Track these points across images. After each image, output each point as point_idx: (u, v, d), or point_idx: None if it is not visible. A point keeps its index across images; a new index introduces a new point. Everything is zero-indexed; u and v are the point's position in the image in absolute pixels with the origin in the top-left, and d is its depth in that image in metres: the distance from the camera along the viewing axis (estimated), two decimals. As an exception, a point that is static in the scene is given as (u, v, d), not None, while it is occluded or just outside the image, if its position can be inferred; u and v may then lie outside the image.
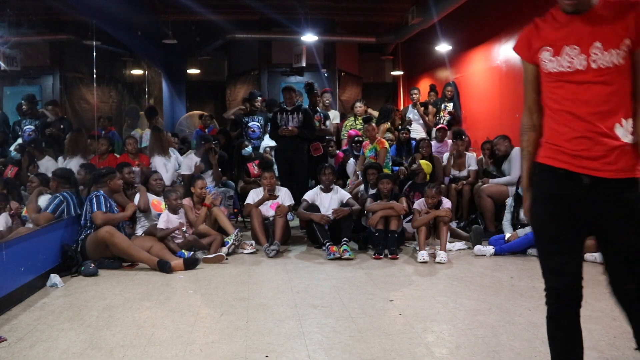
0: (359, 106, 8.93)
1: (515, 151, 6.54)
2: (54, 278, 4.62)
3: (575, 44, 2.14)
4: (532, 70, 2.32)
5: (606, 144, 2.10)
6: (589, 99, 2.13)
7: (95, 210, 5.21)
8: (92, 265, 5.03)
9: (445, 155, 7.70)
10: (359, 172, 7.41)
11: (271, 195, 6.25)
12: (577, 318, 2.31)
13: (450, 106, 9.12)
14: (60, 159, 6.62)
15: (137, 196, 5.93)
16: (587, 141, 2.13)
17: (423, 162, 6.93)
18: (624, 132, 2.12)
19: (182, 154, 7.87)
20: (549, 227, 2.27)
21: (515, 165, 6.44)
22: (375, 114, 9.04)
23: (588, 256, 5.31)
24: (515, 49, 2.38)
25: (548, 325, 2.33)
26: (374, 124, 7.57)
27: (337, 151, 8.52)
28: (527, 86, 2.38)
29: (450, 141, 8.27)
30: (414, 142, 8.13)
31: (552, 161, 2.23)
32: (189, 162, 7.11)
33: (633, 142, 2.12)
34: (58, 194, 5.31)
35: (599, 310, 3.83)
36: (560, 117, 2.20)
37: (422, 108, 9.25)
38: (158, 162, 7.05)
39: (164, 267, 5.01)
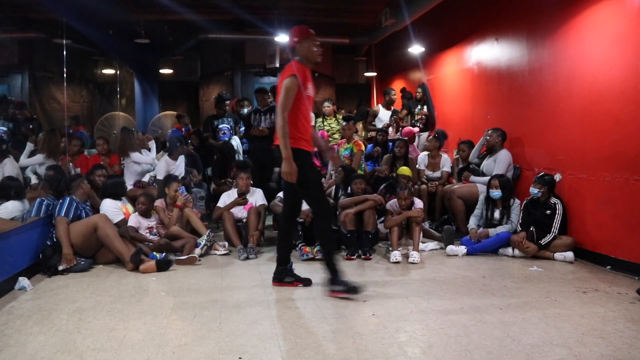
0: (327, 106, 8.94)
1: (504, 153, 6.55)
2: (23, 281, 4.53)
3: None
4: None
5: None
6: None
7: (62, 214, 5.22)
8: (83, 261, 5.13)
9: (421, 156, 7.68)
10: (332, 172, 7.42)
11: (243, 200, 6.21)
12: None
13: (425, 109, 9.16)
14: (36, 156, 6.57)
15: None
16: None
17: (404, 168, 6.84)
18: None
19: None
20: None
21: (500, 167, 6.43)
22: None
23: (558, 255, 5.42)
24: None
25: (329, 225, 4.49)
26: (351, 124, 7.56)
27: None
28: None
29: (420, 142, 8.34)
30: (390, 145, 8.14)
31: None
32: (165, 165, 7.06)
33: None
34: (44, 199, 5.42)
35: (567, 308, 3.91)
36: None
37: (396, 118, 9.19)
38: (137, 156, 7.13)
39: (135, 256, 5.03)
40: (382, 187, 6.80)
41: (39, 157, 6.57)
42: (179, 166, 7.18)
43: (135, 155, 7.18)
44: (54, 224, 5.19)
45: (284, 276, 4.54)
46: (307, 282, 4.55)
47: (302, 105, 4.27)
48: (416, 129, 8.82)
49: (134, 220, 5.63)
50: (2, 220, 5.09)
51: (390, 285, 4.58)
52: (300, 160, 4.18)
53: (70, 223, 5.19)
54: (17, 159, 6.39)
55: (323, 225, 4.37)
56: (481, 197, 6.18)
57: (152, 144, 7.75)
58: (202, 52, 13.38)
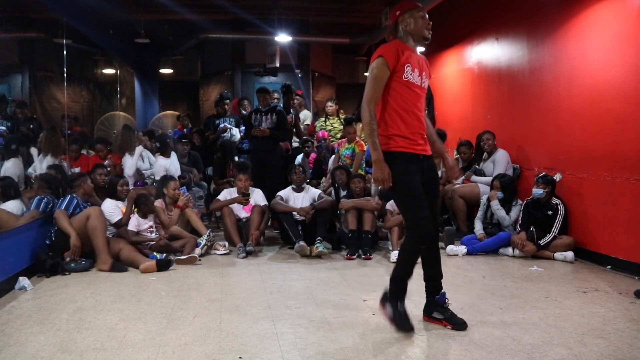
0: (330, 105, 8.94)
1: (501, 152, 6.59)
2: (23, 281, 4.53)
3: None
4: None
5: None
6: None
7: (62, 208, 5.28)
8: (84, 261, 5.14)
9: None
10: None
11: (244, 200, 6.20)
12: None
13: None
14: (37, 156, 6.58)
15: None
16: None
17: None
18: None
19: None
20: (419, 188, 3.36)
21: (499, 167, 6.48)
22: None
23: (558, 255, 5.42)
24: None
25: (421, 251, 3.45)
26: (355, 126, 7.54)
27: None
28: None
29: None
30: None
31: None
32: (160, 164, 7.04)
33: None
34: (43, 196, 5.48)
35: (568, 308, 3.91)
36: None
37: None
38: (128, 161, 7.06)
39: (165, 265, 5.14)
40: None
41: (48, 159, 6.56)
42: (173, 162, 7.16)
43: (126, 158, 7.15)
44: (54, 218, 5.20)
45: (432, 310, 3.60)
46: (459, 324, 3.49)
47: (398, 94, 3.40)
48: None
49: (134, 222, 5.61)
50: (12, 215, 5.12)
51: (390, 285, 4.58)
52: (391, 163, 3.36)
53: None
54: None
55: (406, 246, 3.49)
56: (483, 199, 6.18)
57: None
58: (202, 52, 13.36)
